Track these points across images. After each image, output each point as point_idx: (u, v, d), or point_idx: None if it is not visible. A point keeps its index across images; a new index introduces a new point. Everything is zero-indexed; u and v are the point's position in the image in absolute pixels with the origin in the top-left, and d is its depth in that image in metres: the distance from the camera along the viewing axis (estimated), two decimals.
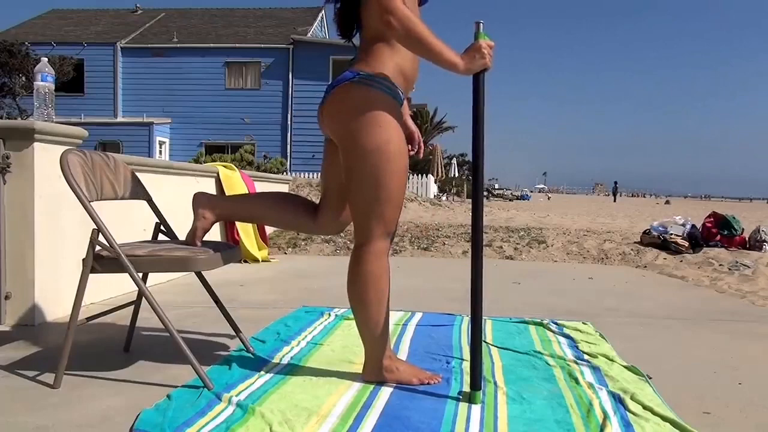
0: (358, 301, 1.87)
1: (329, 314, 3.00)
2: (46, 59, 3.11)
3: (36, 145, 2.70)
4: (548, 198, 51.33)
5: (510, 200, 34.77)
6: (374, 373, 1.95)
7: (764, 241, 6.03)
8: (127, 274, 1.90)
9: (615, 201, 42.09)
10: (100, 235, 1.90)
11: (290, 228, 2.14)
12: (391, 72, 1.84)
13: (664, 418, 1.69)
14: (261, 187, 5.73)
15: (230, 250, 2.13)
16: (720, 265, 5.39)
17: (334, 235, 2.14)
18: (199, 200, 2.10)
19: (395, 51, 1.84)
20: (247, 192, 5.19)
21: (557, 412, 1.74)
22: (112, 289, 3.23)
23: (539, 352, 2.38)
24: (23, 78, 13.43)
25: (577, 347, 2.48)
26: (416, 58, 1.91)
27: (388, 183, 1.81)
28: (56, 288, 2.82)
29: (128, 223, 3.11)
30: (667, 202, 46.64)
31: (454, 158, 36.04)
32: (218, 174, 5.07)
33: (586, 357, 2.33)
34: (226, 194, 4.94)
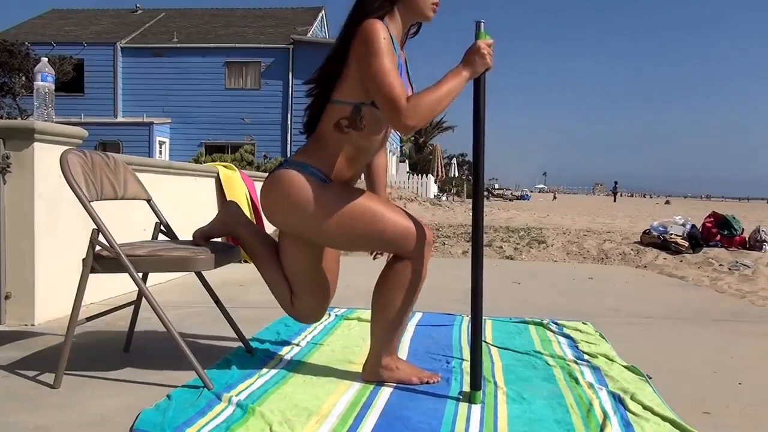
0: (384, 303, 1.88)
1: (329, 314, 2.99)
2: (46, 59, 3.11)
3: (36, 145, 2.70)
4: (554, 197, 50.56)
5: (510, 200, 34.78)
6: (374, 373, 1.95)
7: (764, 241, 6.03)
8: (127, 274, 1.90)
9: (615, 201, 42.09)
10: (100, 235, 1.90)
11: (273, 293, 2.04)
12: (325, 169, 1.85)
13: (664, 418, 1.69)
14: (261, 186, 5.70)
15: (230, 250, 2.13)
16: (720, 265, 5.39)
17: (314, 323, 2.12)
18: (230, 209, 2.12)
19: (334, 153, 1.86)
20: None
21: (557, 412, 1.74)
22: (112, 289, 3.23)
23: (539, 352, 2.38)
24: (23, 78, 13.41)
25: (577, 347, 2.47)
26: (356, 164, 1.91)
27: (373, 231, 1.82)
28: (56, 288, 2.82)
29: (128, 223, 3.10)
30: (667, 202, 46.61)
31: (454, 158, 36.06)
32: (218, 174, 5.07)
33: (586, 357, 2.33)
34: (226, 194, 4.95)
